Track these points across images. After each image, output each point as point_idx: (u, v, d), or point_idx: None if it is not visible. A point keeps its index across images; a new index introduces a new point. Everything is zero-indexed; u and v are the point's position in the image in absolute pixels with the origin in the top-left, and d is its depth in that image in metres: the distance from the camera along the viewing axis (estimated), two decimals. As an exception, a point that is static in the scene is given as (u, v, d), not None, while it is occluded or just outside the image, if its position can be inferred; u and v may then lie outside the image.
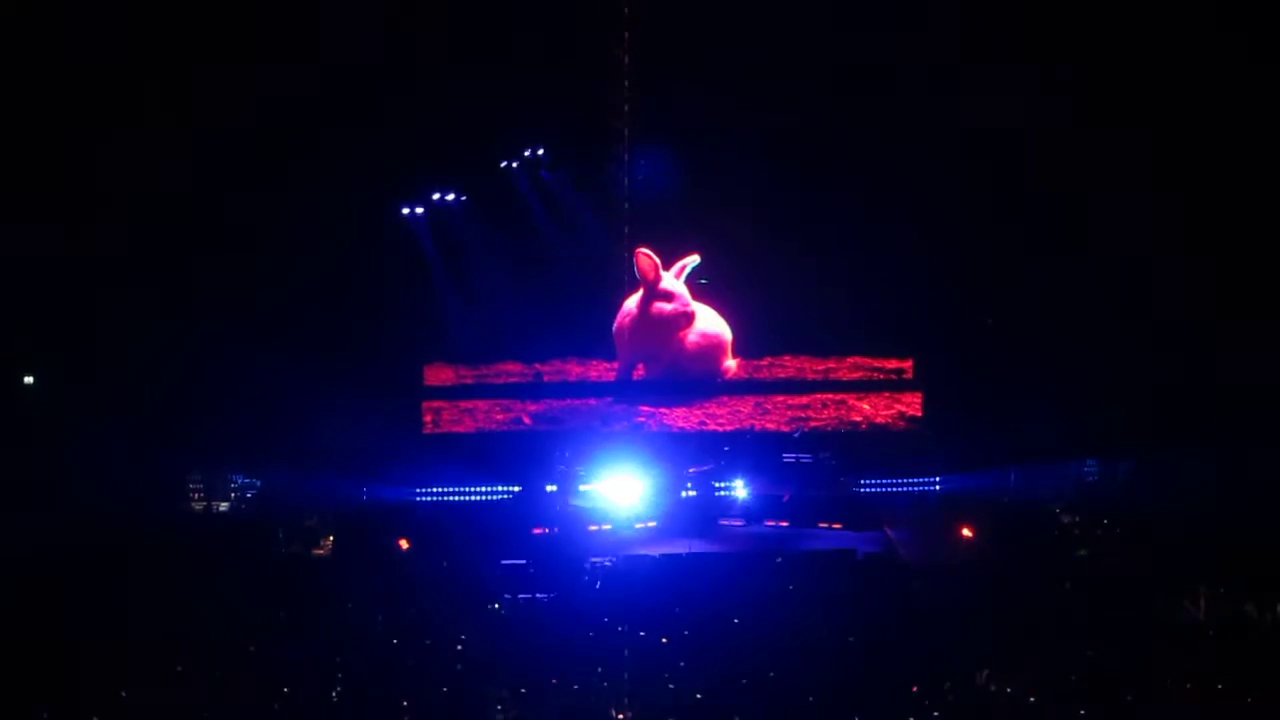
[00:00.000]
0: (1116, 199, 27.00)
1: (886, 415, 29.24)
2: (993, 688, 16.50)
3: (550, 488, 26.03)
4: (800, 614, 19.33)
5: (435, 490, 27.54)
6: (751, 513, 26.19)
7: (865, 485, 26.37)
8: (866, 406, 29.31)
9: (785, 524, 25.65)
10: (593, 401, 29.80)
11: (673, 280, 28.70)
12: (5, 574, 21.51)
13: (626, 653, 17.67)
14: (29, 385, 27.79)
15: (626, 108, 27.00)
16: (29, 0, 25.02)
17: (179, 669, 17.37)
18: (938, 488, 25.70)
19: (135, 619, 19.48)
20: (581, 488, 26.02)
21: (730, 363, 29.44)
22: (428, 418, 29.42)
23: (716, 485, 26.17)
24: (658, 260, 28.53)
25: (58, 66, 25.50)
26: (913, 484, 25.65)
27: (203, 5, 25.51)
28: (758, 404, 29.33)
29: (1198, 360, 26.18)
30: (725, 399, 29.55)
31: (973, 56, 25.95)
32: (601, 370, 29.93)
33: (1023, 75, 26.04)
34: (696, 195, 27.86)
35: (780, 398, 29.42)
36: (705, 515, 25.69)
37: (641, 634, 18.43)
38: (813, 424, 28.63)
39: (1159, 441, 26.03)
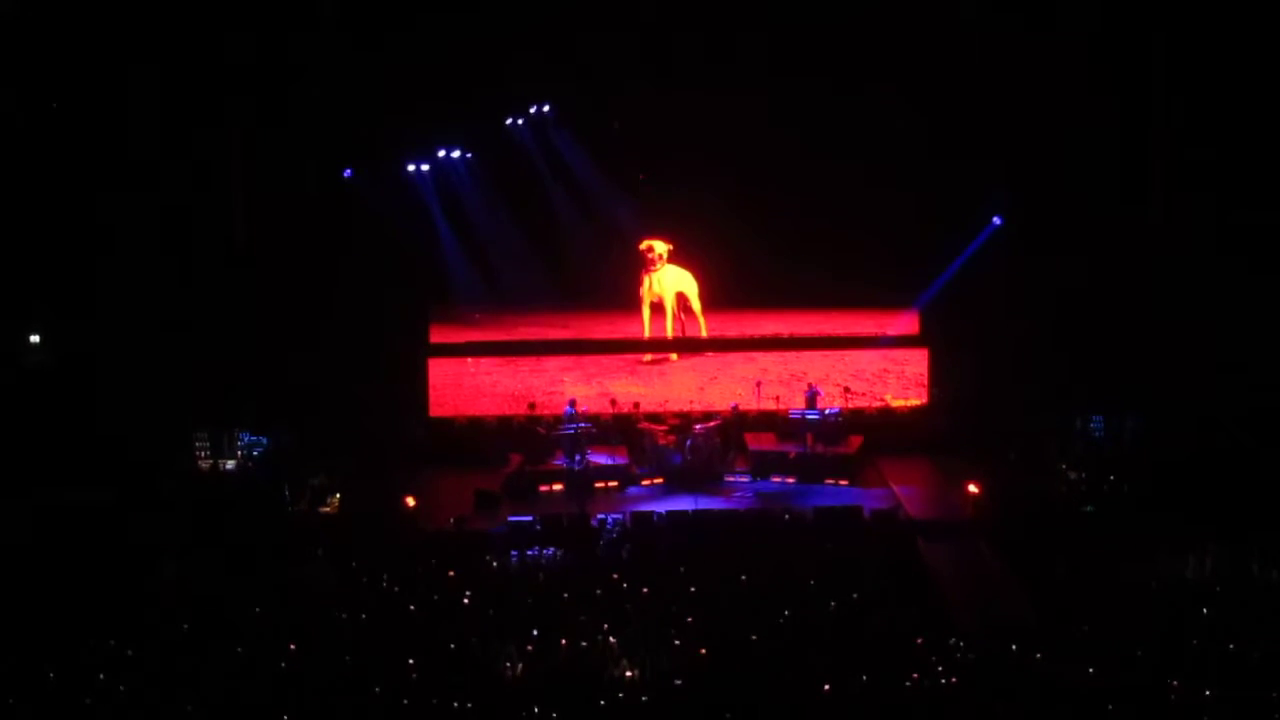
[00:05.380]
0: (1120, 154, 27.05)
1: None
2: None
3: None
4: (805, 571, 19.35)
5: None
6: None
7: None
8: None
9: (791, 480, 25.65)
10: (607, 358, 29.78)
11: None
12: (14, 533, 21.65)
13: (631, 608, 17.73)
14: (35, 344, 27.85)
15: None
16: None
17: (185, 627, 17.46)
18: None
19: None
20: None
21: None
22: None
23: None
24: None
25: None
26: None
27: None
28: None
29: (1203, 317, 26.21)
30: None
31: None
32: (608, 328, 29.84)
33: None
34: (701, 153, 27.62)
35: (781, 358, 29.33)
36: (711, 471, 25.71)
37: (646, 590, 18.48)
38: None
39: (1165, 398, 26.04)
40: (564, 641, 16.46)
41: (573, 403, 26.65)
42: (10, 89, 26.00)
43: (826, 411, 26.34)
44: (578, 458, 25.65)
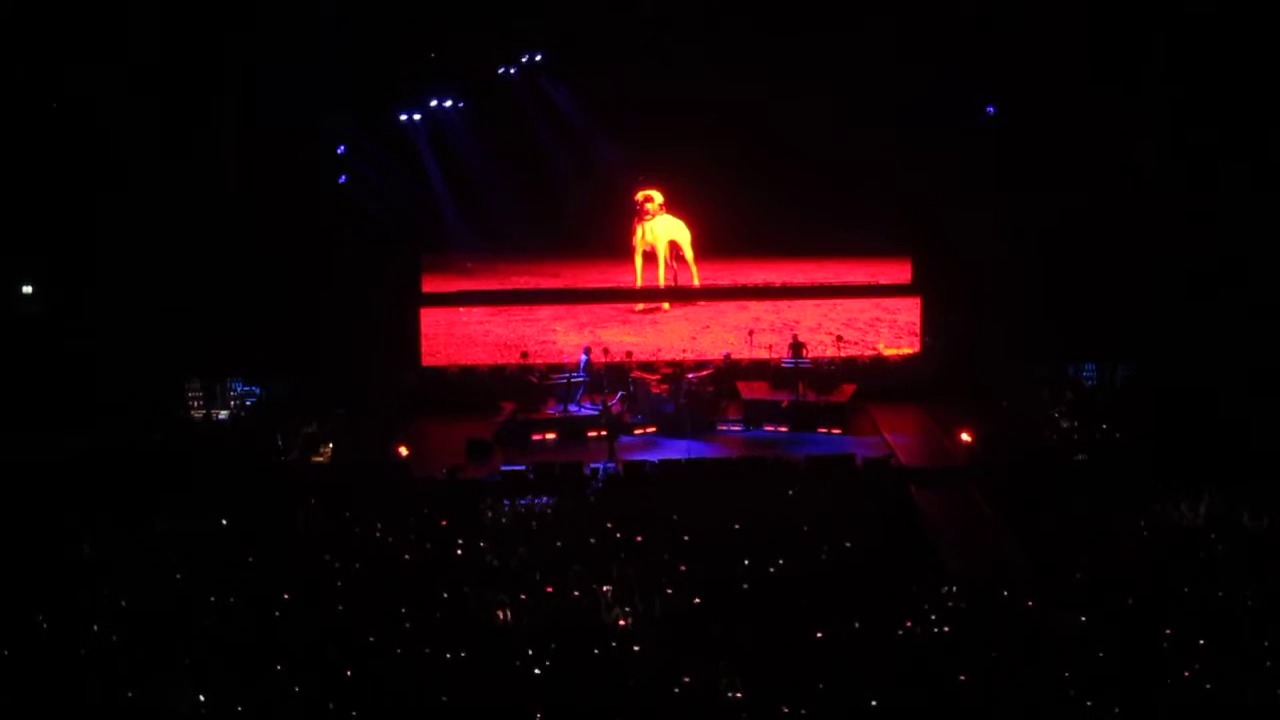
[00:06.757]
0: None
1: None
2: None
3: None
4: (798, 519, 19.38)
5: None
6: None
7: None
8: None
9: (784, 429, 25.66)
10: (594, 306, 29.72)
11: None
12: (12, 481, 21.61)
13: (623, 556, 17.76)
14: (27, 294, 27.77)
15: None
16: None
17: (178, 577, 17.45)
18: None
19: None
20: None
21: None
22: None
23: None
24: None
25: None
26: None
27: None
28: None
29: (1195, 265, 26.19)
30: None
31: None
32: (601, 277, 29.77)
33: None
34: (695, 102, 27.39)
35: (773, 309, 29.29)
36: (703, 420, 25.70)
37: (639, 539, 18.50)
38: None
39: (1159, 346, 26.04)
40: (554, 589, 16.48)
41: (588, 350, 26.69)
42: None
43: (818, 361, 26.36)
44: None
